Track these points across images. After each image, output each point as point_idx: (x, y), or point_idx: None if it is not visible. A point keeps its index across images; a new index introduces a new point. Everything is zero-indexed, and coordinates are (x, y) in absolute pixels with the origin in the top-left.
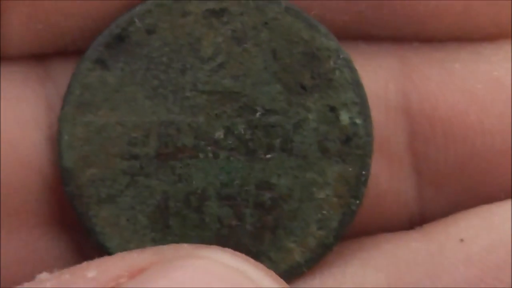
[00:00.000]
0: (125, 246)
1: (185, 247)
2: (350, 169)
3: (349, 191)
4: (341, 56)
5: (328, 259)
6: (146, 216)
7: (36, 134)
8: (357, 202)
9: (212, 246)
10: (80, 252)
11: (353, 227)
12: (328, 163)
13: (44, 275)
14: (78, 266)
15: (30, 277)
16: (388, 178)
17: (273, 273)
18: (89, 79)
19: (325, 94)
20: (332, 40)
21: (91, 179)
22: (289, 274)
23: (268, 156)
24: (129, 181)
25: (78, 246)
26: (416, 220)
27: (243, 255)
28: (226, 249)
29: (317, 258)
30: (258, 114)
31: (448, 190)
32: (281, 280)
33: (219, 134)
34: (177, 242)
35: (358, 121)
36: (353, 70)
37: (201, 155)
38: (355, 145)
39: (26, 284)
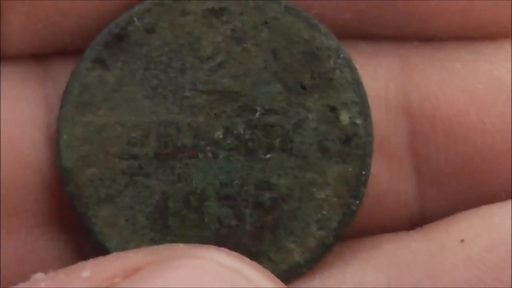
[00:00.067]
0: (124, 246)
1: (181, 247)
2: (350, 169)
3: (349, 191)
4: (341, 56)
5: (328, 259)
6: (145, 216)
7: (35, 134)
8: (357, 202)
9: (208, 245)
10: (79, 252)
11: (353, 227)
12: (328, 163)
13: (39, 275)
14: (73, 266)
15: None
16: (388, 178)
17: (270, 273)
18: (88, 78)
19: (325, 94)
20: (332, 40)
21: (90, 179)
22: (289, 274)
23: (268, 156)
24: (128, 181)
25: (77, 246)
26: (416, 220)
27: (239, 255)
28: (222, 248)
29: (317, 259)
30: (257, 114)
31: (449, 189)
32: (278, 280)
33: (219, 134)
34: (176, 242)
35: (358, 121)
36: (353, 70)
37: (200, 155)
38: (355, 145)
39: (21, 284)
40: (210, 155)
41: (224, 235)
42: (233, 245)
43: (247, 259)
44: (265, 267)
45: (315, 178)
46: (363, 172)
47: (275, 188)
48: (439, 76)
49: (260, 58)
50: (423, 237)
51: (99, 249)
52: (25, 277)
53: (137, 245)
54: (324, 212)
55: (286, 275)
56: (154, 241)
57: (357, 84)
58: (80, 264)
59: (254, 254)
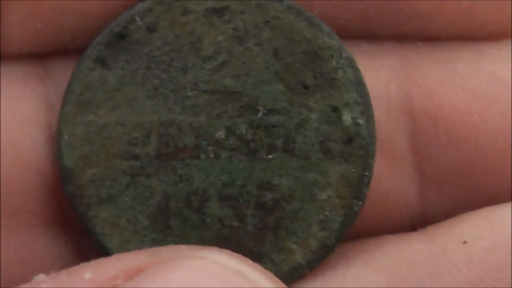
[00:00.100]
0: (125, 247)
1: (182, 248)
2: (353, 169)
3: (351, 192)
4: (343, 55)
5: (330, 260)
6: (147, 217)
7: (36, 134)
8: (359, 203)
9: (209, 247)
10: (80, 252)
11: (355, 227)
12: (330, 163)
13: (40, 277)
14: (75, 268)
15: (29, 277)
16: (390, 178)
17: (271, 274)
18: (89, 78)
19: (327, 94)
20: (334, 39)
21: (91, 179)
22: (291, 275)
23: (270, 156)
24: (129, 181)
25: (78, 247)
26: (418, 220)
27: (241, 256)
28: (224, 250)
29: (319, 260)
30: (259, 114)
31: (451, 190)
32: (279, 281)
33: (221, 134)
34: (177, 242)
35: (360, 121)
36: (355, 70)
37: (202, 155)
38: (357, 146)
39: (22, 286)
40: (212, 155)
41: (226, 236)
42: (234, 246)
43: (249, 261)
44: (266, 268)
45: (317, 178)
46: (366, 173)
47: (277, 189)
48: (441, 76)
49: (262, 57)
50: (424, 238)
51: (100, 250)
52: (25, 277)
53: (138, 246)
54: (326, 213)
55: (288, 276)
56: (155, 242)
57: (359, 84)
58: (82, 266)
59: (255, 255)
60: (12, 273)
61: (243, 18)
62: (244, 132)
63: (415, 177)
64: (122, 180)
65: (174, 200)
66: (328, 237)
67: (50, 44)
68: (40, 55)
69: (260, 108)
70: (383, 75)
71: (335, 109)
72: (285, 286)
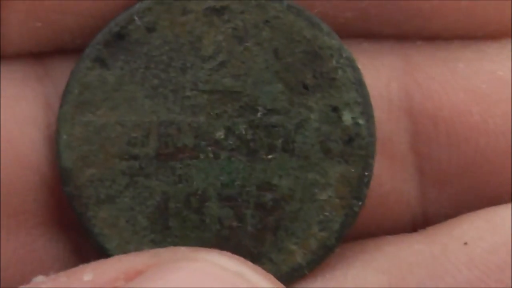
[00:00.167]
0: (124, 247)
1: (183, 250)
2: (353, 170)
3: (351, 192)
4: (343, 55)
5: (330, 261)
6: (146, 217)
7: (35, 133)
8: (359, 203)
9: (209, 249)
10: (78, 253)
11: (355, 228)
12: (330, 163)
13: (40, 278)
14: (75, 269)
15: (28, 278)
16: (391, 178)
17: (272, 276)
18: (88, 78)
19: (327, 94)
20: (334, 39)
21: (90, 179)
22: (290, 276)
23: (270, 156)
24: (128, 181)
25: (76, 247)
26: (419, 220)
27: (241, 258)
28: (224, 252)
29: (319, 260)
30: (259, 114)
31: (451, 190)
32: (279, 283)
33: (220, 134)
34: (177, 243)
35: (360, 121)
36: (355, 69)
37: (201, 156)
38: (357, 146)
39: (22, 287)
40: (211, 155)
41: (225, 236)
42: (234, 246)
43: (249, 263)
44: (266, 268)
45: (317, 178)
46: (366, 173)
47: (277, 189)
48: (442, 75)
49: (261, 57)
50: (425, 239)
51: (99, 250)
52: (24, 278)
53: (137, 246)
54: (326, 213)
55: (288, 276)
56: (154, 242)
57: (359, 84)
58: (82, 267)
59: (255, 255)
60: (11, 274)
61: (243, 17)
62: (244, 132)
63: (415, 177)
64: (121, 181)
65: (174, 201)
66: (328, 238)
67: (49, 43)
68: (39, 55)
69: (260, 108)
70: (384, 74)
71: (335, 109)
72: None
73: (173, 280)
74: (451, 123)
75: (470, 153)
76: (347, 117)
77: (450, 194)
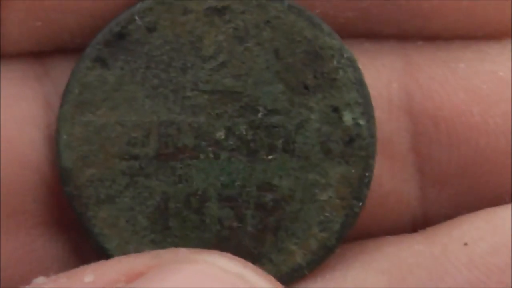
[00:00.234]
0: (124, 248)
1: (183, 251)
2: (353, 170)
3: (351, 192)
4: (344, 56)
5: (330, 261)
6: (146, 217)
7: (35, 133)
8: (360, 204)
9: (210, 250)
10: (78, 253)
11: (355, 228)
12: (330, 164)
13: (40, 279)
14: (75, 270)
15: (28, 278)
16: (391, 178)
17: (272, 278)
18: (89, 77)
19: (328, 94)
20: (335, 39)
21: (90, 179)
22: (291, 276)
23: (270, 157)
24: (128, 181)
25: (76, 247)
26: (419, 221)
27: (242, 260)
28: (225, 253)
29: (319, 261)
30: (260, 114)
31: (452, 190)
32: (280, 285)
33: (220, 134)
34: (177, 243)
35: (361, 122)
36: (356, 70)
37: (201, 156)
38: (358, 146)
39: None
40: (211, 155)
41: (225, 237)
42: (234, 246)
43: (250, 264)
44: (266, 269)
45: (318, 179)
46: (366, 174)
47: (277, 189)
48: (443, 76)
49: (262, 57)
50: (425, 240)
51: (99, 251)
52: (24, 278)
53: (137, 247)
54: (327, 213)
55: (288, 277)
56: (154, 243)
57: (360, 85)
58: (82, 268)
59: (255, 256)
60: (11, 274)
61: (244, 17)
62: (244, 132)
63: (416, 177)
64: (121, 181)
65: (174, 201)
66: (328, 238)
67: (50, 43)
68: (39, 54)
69: (260, 108)
70: (384, 74)
71: (335, 110)
72: None
73: (174, 282)
74: (452, 123)
75: (470, 153)
76: (347, 118)
77: (450, 194)
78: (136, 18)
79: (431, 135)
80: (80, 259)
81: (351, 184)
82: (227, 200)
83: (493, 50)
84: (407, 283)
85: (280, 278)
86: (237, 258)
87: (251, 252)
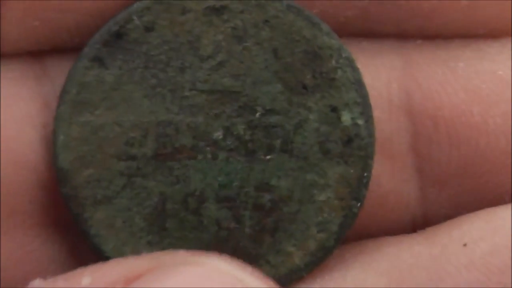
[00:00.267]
0: (121, 249)
1: (182, 254)
2: (352, 170)
3: (350, 193)
4: (343, 55)
5: (329, 262)
6: (143, 218)
7: (32, 133)
8: (359, 204)
9: (209, 252)
10: (75, 254)
11: (354, 229)
12: (329, 164)
13: (37, 282)
14: (73, 273)
15: (25, 279)
16: (391, 179)
17: (271, 281)
18: (86, 77)
19: (326, 94)
20: (334, 39)
21: (87, 180)
22: (289, 278)
23: (268, 157)
24: (125, 182)
25: (73, 248)
26: (418, 221)
27: (241, 263)
28: (224, 256)
29: (317, 262)
30: (258, 114)
31: (452, 191)
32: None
33: (218, 134)
34: (174, 244)
35: (360, 121)
36: (355, 70)
37: (199, 156)
38: (356, 146)
39: None
40: (209, 156)
41: (223, 238)
42: (232, 248)
43: (249, 267)
44: (264, 270)
45: (316, 179)
46: (365, 174)
47: (275, 190)
48: (442, 75)
49: (261, 57)
50: (425, 240)
51: (95, 252)
52: (20, 279)
53: (134, 248)
54: (325, 214)
55: (286, 278)
56: (151, 244)
57: (359, 84)
58: (80, 270)
59: (253, 257)
60: (7, 275)
61: (243, 17)
62: (242, 132)
63: (415, 177)
64: (119, 181)
65: (171, 201)
66: (327, 239)
67: (47, 42)
68: (37, 54)
69: (259, 108)
70: (384, 74)
71: (334, 109)
72: None
73: (172, 284)
74: (451, 123)
75: (470, 153)
76: (346, 118)
77: (450, 194)
78: (134, 17)
79: (431, 135)
80: (77, 260)
81: (350, 185)
82: (225, 201)
83: (493, 49)
84: (406, 284)
85: (278, 279)
86: (236, 260)
87: (249, 253)
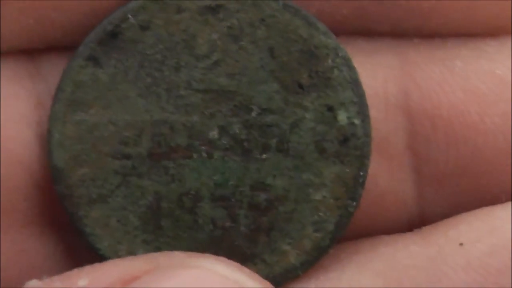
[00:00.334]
0: (116, 247)
1: (179, 255)
2: (348, 170)
3: (346, 192)
4: (339, 55)
5: (324, 262)
6: (138, 217)
7: (26, 132)
8: (354, 204)
9: (206, 255)
10: (71, 252)
11: (350, 228)
12: (325, 163)
13: (33, 282)
14: (69, 273)
15: (20, 278)
16: (387, 178)
17: (268, 283)
18: (81, 76)
19: (323, 93)
20: (330, 38)
21: (81, 178)
22: (284, 277)
23: (264, 156)
24: (120, 181)
25: (68, 247)
26: (415, 221)
27: (238, 264)
28: (221, 258)
29: (313, 261)
30: (254, 114)
31: (449, 190)
32: None
33: (214, 133)
34: (169, 243)
35: (356, 121)
36: (351, 69)
37: (195, 155)
38: (353, 146)
39: None
40: (204, 155)
41: (218, 237)
42: (227, 247)
43: (246, 269)
44: (259, 269)
45: (312, 179)
46: (361, 173)
47: (271, 189)
48: (440, 74)
49: (257, 56)
50: (421, 240)
51: (90, 250)
52: (16, 278)
53: (129, 247)
54: (321, 213)
55: (281, 278)
56: (146, 243)
57: (355, 84)
58: (76, 271)
59: (248, 256)
60: (2, 273)
61: (238, 16)
62: (238, 131)
63: (412, 177)
64: (113, 180)
65: (166, 201)
66: (323, 238)
67: (42, 41)
68: (31, 52)
69: (254, 108)
70: (381, 73)
71: (330, 109)
72: None
73: (169, 287)
74: (449, 122)
75: (468, 153)
76: (342, 117)
77: (447, 194)
78: (129, 16)
79: (428, 135)
80: (72, 259)
81: (346, 184)
82: (220, 200)
83: (491, 47)
84: (402, 284)
85: (273, 278)
86: (232, 262)
87: (244, 252)
